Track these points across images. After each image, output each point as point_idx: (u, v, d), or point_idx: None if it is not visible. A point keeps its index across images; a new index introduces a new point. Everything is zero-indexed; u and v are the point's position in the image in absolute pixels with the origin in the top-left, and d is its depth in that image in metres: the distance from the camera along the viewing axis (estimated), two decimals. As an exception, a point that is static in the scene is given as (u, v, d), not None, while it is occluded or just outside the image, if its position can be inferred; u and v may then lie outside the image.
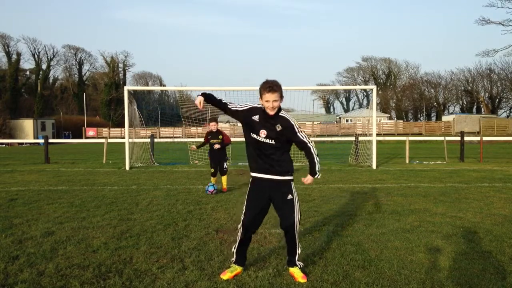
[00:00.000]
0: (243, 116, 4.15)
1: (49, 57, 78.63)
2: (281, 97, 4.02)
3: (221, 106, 4.24)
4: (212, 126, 9.59)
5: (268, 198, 4.15)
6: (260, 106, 4.09)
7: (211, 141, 9.58)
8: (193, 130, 36.84)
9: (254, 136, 4.06)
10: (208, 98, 4.20)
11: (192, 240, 5.42)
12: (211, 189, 9.10)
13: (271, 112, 4.00)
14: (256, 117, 4.08)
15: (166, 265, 4.48)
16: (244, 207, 4.19)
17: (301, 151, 4.20)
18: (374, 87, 16.84)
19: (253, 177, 4.21)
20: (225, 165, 9.76)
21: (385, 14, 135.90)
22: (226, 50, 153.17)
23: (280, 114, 4.06)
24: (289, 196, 4.13)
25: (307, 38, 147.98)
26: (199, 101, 4.11)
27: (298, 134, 4.07)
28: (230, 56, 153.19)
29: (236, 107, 4.21)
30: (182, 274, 4.19)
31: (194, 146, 10.69)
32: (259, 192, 4.15)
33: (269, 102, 3.95)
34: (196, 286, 3.91)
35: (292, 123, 4.07)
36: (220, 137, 9.52)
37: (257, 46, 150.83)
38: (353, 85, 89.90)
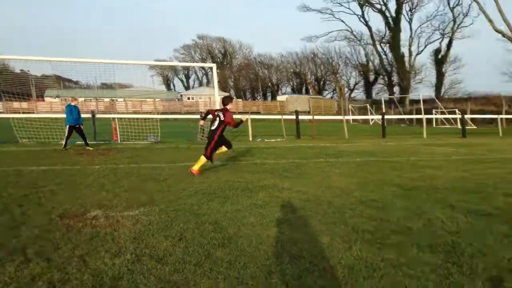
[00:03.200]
0: None
1: None
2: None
3: None
4: None
5: None
6: None
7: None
8: (15, 105, 32.84)
9: None
10: None
11: (33, 229, 4.71)
12: None
13: None
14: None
15: (5, 258, 3.82)
16: None
17: None
18: (214, 65, 17.04)
19: None
20: None
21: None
22: (49, 17, 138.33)
23: None
24: None
25: (143, 12, 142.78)
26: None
27: None
28: (58, 24, 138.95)
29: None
30: (26, 267, 3.62)
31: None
32: None
33: None
34: (44, 278, 3.41)
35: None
36: None
37: (85, 19, 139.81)
38: (191, 62, 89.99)
